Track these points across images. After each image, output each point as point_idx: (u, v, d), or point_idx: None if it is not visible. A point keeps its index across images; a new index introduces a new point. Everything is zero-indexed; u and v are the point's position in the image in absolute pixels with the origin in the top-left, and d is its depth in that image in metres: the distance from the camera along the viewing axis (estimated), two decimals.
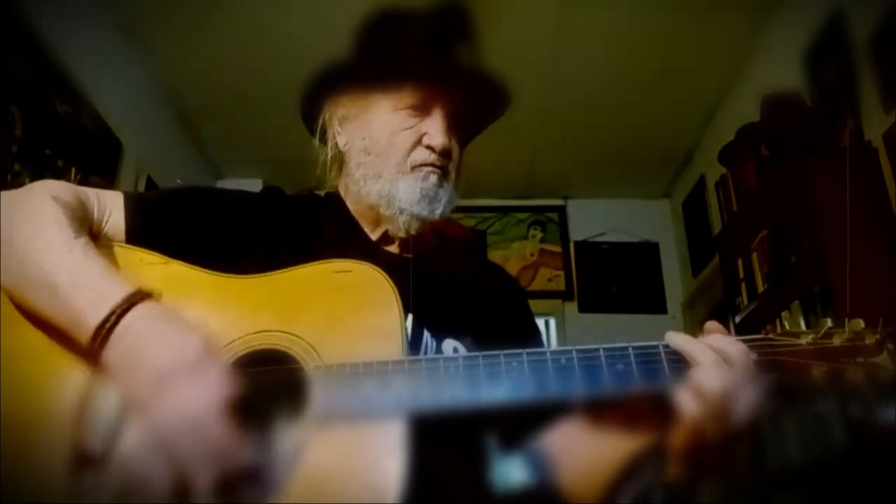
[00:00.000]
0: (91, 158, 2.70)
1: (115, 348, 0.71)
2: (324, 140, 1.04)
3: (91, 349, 0.71)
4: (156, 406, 0.68)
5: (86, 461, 0.70)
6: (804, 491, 2.08)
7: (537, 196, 4.23)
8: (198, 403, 0.67)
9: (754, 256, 2.62)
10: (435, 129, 0.95)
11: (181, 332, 0.72)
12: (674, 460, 0.75)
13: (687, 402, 0.72)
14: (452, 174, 0.98)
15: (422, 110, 0.96)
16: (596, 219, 4.18)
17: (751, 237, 2.62)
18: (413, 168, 0.95)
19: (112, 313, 0.71)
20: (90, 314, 0.71)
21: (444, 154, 0.96)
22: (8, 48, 2.22)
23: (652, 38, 2.93)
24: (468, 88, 0.99)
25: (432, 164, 0.95)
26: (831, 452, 1.91)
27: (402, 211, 0.95)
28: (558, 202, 4.27)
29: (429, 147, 0.95)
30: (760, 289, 2.56)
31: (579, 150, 3.76)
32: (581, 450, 0.88)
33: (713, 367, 0.71)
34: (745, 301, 2.69)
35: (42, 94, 2.40)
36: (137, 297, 0.73)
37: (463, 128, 1.01)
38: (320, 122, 1.03)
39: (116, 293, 0.73)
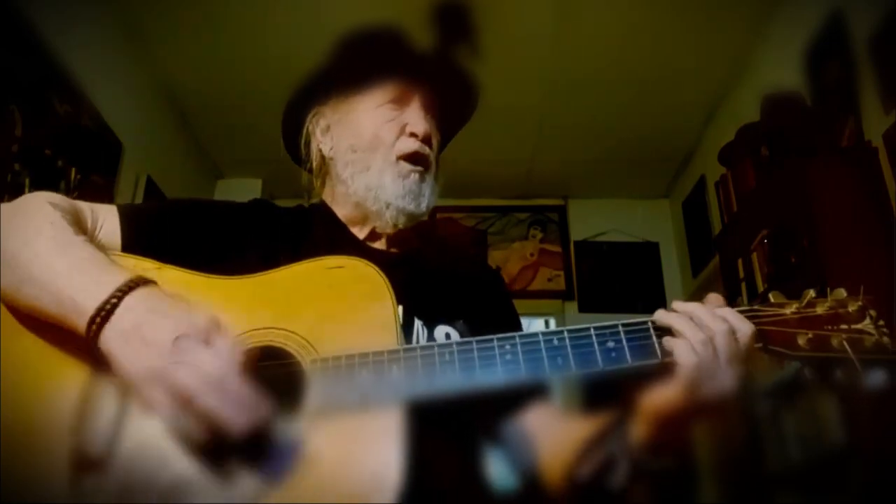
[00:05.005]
0: (91, 158, 2.70)
1: (117, 328, 0.70)
2: (307, 154, 1.08)
3: (89, 333, 0.71)
4: (172, 371, 0.66)
5: (86, 464, 0.70)
6: (804, 491, 2.08)
7: (537, 196, 4.23)
8: (215, 363, 0.66)
9: (754, 257, 2.62)
10: (416, 118, 1.02)
11: (187, 309, 0.72)
12: (640, 429, 0.77)
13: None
14: (433, 166, 1.04)
15: (401, 103, 1.03)
16: (596, 219, 4.18)
17: (751, 237, 2.62)
18: (399, 158, 1.00)
19: (113, 295, 0.71)
20: (89, 297, 0.71)
21: (427, 141, 1.02)
22: (8, 48, 2.22)
23: (652, 38, 2.93)
24: (443, 78, 1.05)
25: (416, 154, 1.00)
26: (831, 452, 1.90)
27: (388, 205, 0.99)
28: (558, 202, 4.27)
29: (412, 135, 1.01)
30: (761, 289, 2.55)
31: (579, 150, 3.75)
32: (555, 424, 0.91)
33: (694, 342, 0.73)
34: (746, 301, 2.69)
35: (42, 94, 2.40)
36: (140, 282, 0.73)
37: (441, 118, 1.07)
38: (303, 135, 1.08)
39: (118, 278, 0.73)
